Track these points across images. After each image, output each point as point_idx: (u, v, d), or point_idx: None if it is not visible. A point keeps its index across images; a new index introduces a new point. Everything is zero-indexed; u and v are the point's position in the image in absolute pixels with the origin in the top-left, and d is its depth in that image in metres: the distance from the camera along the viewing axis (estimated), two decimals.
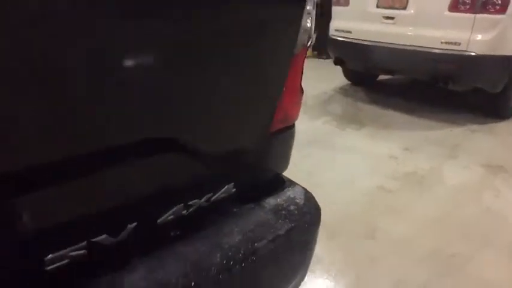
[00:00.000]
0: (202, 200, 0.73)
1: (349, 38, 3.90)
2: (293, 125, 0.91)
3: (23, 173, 0.51)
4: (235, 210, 0.77)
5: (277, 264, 0.76)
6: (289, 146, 0.92)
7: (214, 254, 0.66)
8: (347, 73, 4.63)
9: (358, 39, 3.81)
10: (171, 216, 0.70)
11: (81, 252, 0.59)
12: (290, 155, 0.93)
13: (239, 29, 0.65)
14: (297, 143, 3.10)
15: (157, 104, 0.60)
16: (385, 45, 3.59)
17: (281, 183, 0.89)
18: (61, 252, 0.57)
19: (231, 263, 0.65)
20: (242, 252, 0.68)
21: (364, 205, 2.27)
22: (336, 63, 4.26)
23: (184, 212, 0.71)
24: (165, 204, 0.70)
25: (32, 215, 0.54)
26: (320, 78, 5.05)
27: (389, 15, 3.54)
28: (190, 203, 0.72)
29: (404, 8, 3.45)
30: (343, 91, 4.61)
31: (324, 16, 4.67)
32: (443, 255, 1.85)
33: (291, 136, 0.91)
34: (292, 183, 0.89)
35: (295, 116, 0.93)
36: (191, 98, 0.65)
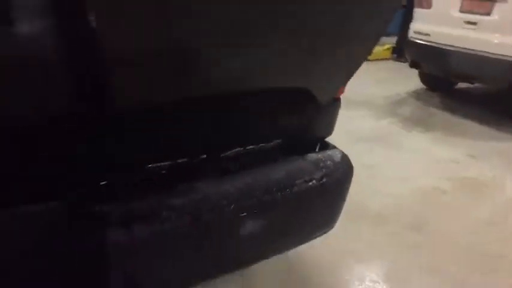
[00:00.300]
0: (261, 145, 0.94)
1: (427, 41, 3.87)
2: (340, 98, 1.09)
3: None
4: (283, 158, 0.98)
5: (310, 203, 0.95)
6: (336, 114, 1.09)
7: (261, 181, 0.87)
8: (423, 77, 4.57)
9: (437, 43, 3.77)
10: (232, 154, 0.92)
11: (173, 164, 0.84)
12: (335, 122, 1.10)
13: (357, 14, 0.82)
14: (360, 138, 3.27)
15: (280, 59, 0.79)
16: (465, 50, 3.52)
17: (324, 144, 1.07)
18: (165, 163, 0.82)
19: (274, 189, 0.86)
20: (283, 184, 0.88)
21: (416, 200, 2.34)
22: (411, 65, 4.24)
23: (242, 152, 0.93)
24: (229, 146, 0.92)
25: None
26: (395, 80, 5.03)
27: (472, 21, 3.46)
28: (247, 147, 0.94)
29: (489, 14, 3.36)
30: (416, 95, 4.55)
31: (406, 19, 4.65)
32: (490, 256, 1.88)
33: (339, 106, 1.09)
34: (332, 146, 1.07)
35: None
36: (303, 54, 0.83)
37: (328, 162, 0.98)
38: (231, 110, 0.86)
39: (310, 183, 0.91)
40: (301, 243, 1.11)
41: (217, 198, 0.80)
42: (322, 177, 0.93)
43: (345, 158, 1.02)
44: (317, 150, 1.04)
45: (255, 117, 0.92)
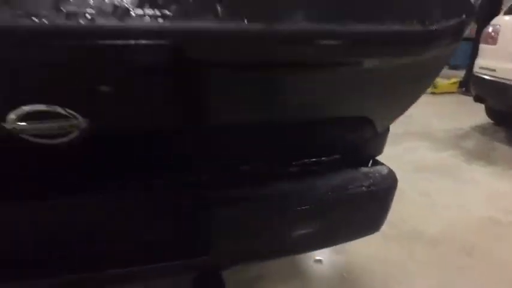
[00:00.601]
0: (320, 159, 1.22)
1: (492, 76, 3.93)
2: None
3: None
4: (342, 169, 1.24)
5: (358, 205, 1.21)
6: (386, 138, 1.34)
7: (321, 184, 1.15)
8: (489, 112, 4.56)
9: (502, 78, 3.81)
10: (301, 163, 1.20)
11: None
12: (385, 144, 1.35)
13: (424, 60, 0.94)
14: (420, 168, 3.43)
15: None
16: None
17: (375, 161, 1.32)
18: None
19: (329, 193, 1.13)
20: (338, 187, 1.15)
21: (471, 228, 2.43)
22: (476, 100, 4.28)
23: (309, 162, 1.21)
24: (300, 157, 1.20)
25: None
26: (460, 113, 5.05)
27: None
28: (310, 160, 1.21)
29: None
30: (480, 129, 4.54)
31: (474, 53, 4.72)
32: None
33: (389, 131, 1.34)
34: (381, 163, 1.32)
35: None
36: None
37: (376, 175, 1.23)
38: (305, 132, 1.13)
39: (360, 189, 1.17)
40: (349, 240, 1.37)
41: (288, 192, 1.10)
42: (369, 186, 1.18)
43: (390, 173, 1.26)
44: (369, 165, 1.29)
45: (323, 137, 1.20)
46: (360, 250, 2.13)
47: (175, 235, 1.01)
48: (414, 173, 3.24)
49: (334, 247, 2.11)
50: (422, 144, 3.97)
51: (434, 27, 0.80)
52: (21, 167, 0.80)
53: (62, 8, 0.59)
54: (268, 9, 0.71)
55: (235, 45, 0.71)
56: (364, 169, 1.25)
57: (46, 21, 0.57)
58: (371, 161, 1.32)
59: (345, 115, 1.12)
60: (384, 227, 2.25)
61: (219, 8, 0.67)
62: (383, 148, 1.35)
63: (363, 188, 1.17)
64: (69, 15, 0.59)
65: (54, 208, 0.87)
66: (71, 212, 0.89)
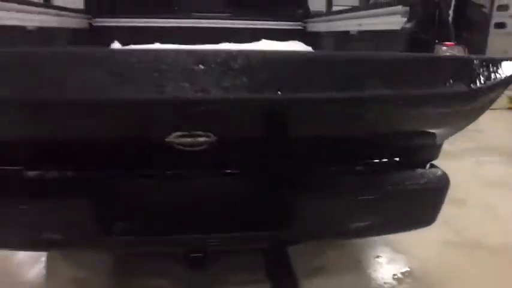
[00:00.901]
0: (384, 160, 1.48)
1: None
2: None
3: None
4: (403, 169, 1.50)
5: (414, 200, 1.45)
6: (441, 146, 1.56)
7: (383, 179, 1.42)
8: None
9: None
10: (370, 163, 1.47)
11: None
12: (440, 151, 1.57)
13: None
14: (489, 182, 3.54)
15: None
16: None
17: (432, 165, 1.55)
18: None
19: (391, 185, 1.40)
20: (398, 183, 1.41)
21: None
22: None
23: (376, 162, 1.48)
24: (368, 158, 1.47)
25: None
26: None
27: None
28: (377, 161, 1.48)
29: None
30: None
31: None
32: None
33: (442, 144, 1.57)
34: (436, 167, 1.54)
35: None
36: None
37: (431, 175, 1.47)
38: (378, 140, 1.41)
39: (415, 186, 1.42)
40: (405, 230, 1.61)
41: (355, 184, 1.39)
42: (424, 184, 1.43)
43: (443, 175, 1.48)
44: (426, 168, 1.53)
45: (390, 145, 1.46)
46: (421, 252, 2.30)
47: (269, 211, 1.36)
48: (483, 187, 3.30)
49: (395, 247, 2.32)
50: (493, 159, 3.96)
51: (476, 89, 1.12)
52: (174, 163, 1.24)
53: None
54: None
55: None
56: (421, 170, 1.50)
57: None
58: (428, 165, 1.55)
59: (412, 133, 1.40)
60: (447, 234, 2.44)
61: None
62: (438, 155, 1.58)
63: (419, 185, 1.43)
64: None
65: (191, 186, 1.29)
66: (201, 188, 1.29)
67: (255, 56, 0.97)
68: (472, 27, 10.61)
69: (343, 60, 1.11)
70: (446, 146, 4.10)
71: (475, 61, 1.13)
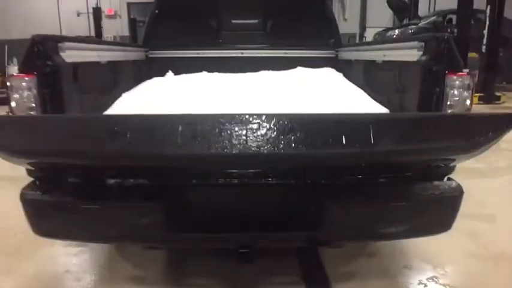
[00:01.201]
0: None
1: None
2: None
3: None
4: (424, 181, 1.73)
5: (431, 207, 1.67)
6: (455, 166, 1.78)
7: (406, 189, 1.66)
8: None
9: None
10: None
11: None
12: (455, 167, 1.79)
13: None
14: None
15: None
16: None
17: (448, 178, 1.76)
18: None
19: (411, 194, 1.64)
20: (417, 192, 1.65)
21: None
22: None
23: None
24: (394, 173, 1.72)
25: None
26: None
27: None
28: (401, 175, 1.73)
29: None
30: None
31: None
32: None
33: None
34: (451, 179, 1.76)
35: None
36: None
37: (446, 187, 1.69)
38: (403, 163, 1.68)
39: (432, 195, 1.65)
40: (424, 236, 1.84)
41: (379, 193, 1.65)
42: (440, 193, 1.66)
43: (458, 186, 1.70)
44: (443, 180, 1.75)
45: (416, 166, 1.71)
46: (447, 263, 2.47)
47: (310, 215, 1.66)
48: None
49: (423, 257, 2.49)
50: None
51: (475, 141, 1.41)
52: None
53: None
54: None
55: None
56: (438, 182, 1.72)
57: None
58: (446, 178, 1.78)
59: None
60: (474, 247, 2.60)
61: None
62: (453, 171, 1.80)
63: (434, 195, 1.66)
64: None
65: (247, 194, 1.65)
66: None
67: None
68: (508, 44, 10.55)
69: (389, 121, 1.47)
70: (481, 165, 4.25)
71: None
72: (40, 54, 1.74)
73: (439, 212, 1.71)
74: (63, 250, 2.62)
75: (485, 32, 9.19)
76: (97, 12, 13.58)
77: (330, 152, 1.28)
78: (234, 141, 1.22)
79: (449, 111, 1.71)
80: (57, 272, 2.42)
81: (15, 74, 1.75)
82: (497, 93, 9.21)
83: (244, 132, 1.23)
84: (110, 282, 2.32)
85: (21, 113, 1.76)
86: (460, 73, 1.69)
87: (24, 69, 1.74)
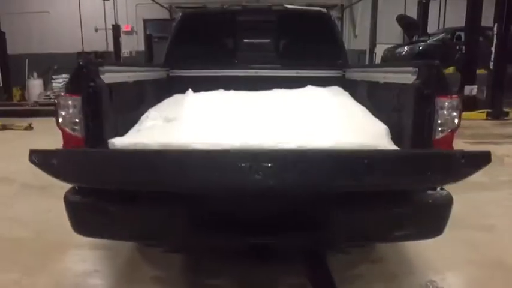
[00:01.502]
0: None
1: None
2: None
3: None
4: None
5: (424, 213, 1.89)
6: None
7: (404, 197, 1.88)
8: None
9: None
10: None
11: None
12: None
13: None
14: None
15: None
16: None
17: (441, 188, 1.97)
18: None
19: (408, 201, 1.88)
20: (412, 199, 1.88)
21: None
22: None
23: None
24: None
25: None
26: None
27: None
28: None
29: None
30: None
31: None
32: None
33: None
34: (443, 189, 1.97)
35: None
36: None
37: (438, 195, 1.91)
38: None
39: (425, 202, 1.88)
40: (418, 239, 2.09)
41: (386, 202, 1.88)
42: (432, 200, 1.88)
43: (448, 195, 1.91)
44: (435, 190, 1.97)
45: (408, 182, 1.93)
46: (447, 269, 2.65)
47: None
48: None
49: (425, 263, 2.68)
50: None
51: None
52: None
53: None
54: None
55: None
56: (431, 191, 1.95)
57: None
58: (438, 188, 1.99)
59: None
60: (472, 255, 2.80)
61: None
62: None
63: (427, 201, 1.88)
64: None
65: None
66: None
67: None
68: None
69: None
70: (484, 178, 4.42)
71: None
72: (84, 76, 2.03)
73: (432, 218, 1.93)
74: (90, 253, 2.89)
75: (493, 48, 9.37)
76: (116, 29, 14.12)
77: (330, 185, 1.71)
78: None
79: (439, 128, 1.94)
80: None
81: (63, 94, 2.05)
82: (506, 109, 9.33)
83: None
84: (134, 281, 2.57)
85: (65, 127, 2.04)
86: (449, 95, 1.93)
87: (70, 90, 2.03)
